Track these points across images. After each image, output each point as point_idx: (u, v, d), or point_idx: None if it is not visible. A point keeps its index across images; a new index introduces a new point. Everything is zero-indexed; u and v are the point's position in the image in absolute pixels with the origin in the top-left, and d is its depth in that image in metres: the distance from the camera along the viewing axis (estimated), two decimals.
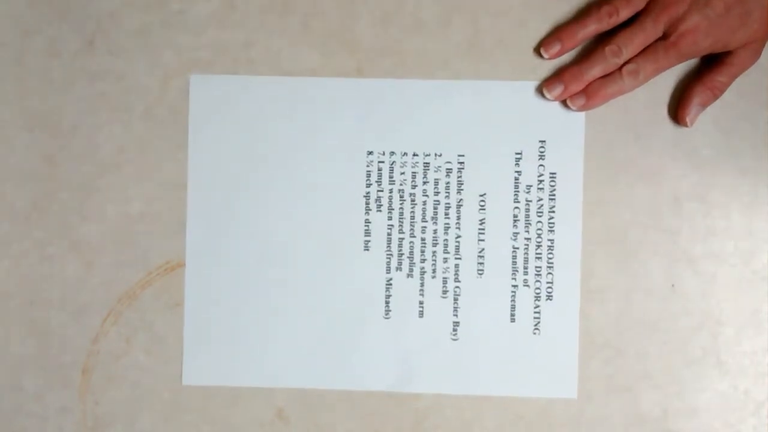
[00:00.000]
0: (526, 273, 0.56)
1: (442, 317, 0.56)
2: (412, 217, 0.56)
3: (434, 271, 0.56)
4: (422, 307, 0.56)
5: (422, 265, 0.56)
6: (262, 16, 0.56)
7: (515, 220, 0.56)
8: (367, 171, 0.56)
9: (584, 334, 0.56)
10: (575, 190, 0.56)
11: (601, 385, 0.56)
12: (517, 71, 0.56)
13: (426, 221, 0.56)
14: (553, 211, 0.56)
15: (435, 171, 0.56)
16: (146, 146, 0.56)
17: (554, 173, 0.56)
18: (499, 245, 0.56)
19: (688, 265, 0.56)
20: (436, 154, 0.56)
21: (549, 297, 0.56)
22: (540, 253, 0.56)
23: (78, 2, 0.57)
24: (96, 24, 0.57)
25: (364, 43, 0.56)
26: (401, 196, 0.56)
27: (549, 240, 0.56)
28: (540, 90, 0.55)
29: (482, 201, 0.56)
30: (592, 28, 0.54)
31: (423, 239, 0.56)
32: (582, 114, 0.56)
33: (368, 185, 0.56)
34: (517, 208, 0.56)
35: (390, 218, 0.56)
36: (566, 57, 0.56)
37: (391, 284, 0.56)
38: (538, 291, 0.56)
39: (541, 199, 0.56)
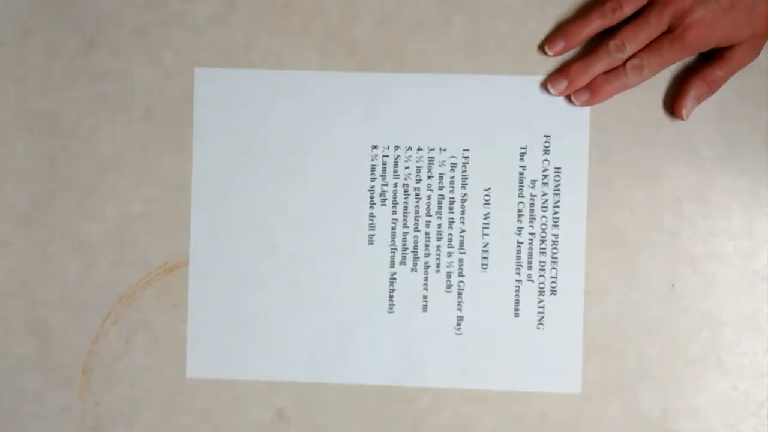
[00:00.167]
0: (530, 268, 0.56)
1: (445, 311, 0.56)
2: (417, 212, 0.56)
3: (438, 265, 0.56)
4: (426, 302, 0.56)
5: (426, 259, 0.56)
6: (262, 16, 0.56)
7: (520, 215, 0.56)
8: (372, 165, 0.56)
9: (584, 334, 0.56)
10: (580, 185, 0.56)
11: (601, 385, 0.56)
12: (517, 71, 0.56)
13: (430, 215, 0.56)
14: (558, 206, 0.56)
15: (440, 165, 0.56)
16: (146, 146, 0.56)
17: (559, 168, 0.56)
18: (503, 240, 0.56)
19: (688, 265, 0.56)
20: (440, 149, 0.56)
21: (553, 292, 0.56)
22: (544, 248, 0.56)
23: (78, 2, 0.57)
24: (96, 24, 0.57)
25: (364, 43, 0.56)
26: (406, 191, 0.56)
27: (553, 235, 0.56)
28: (544, 85, 0.55)
29: (487, 195, 0.56)
30: (596, 24, 0.54)
31: (427, 233, 0.56)
32: (587, 109, 0.56)
33: (373, 179, 0.56)
34: (521, 202, 0.56)
35: (394, 212, 0.56)
36: (570, 52, 0.56)
37: (395, 278, 0.56)
38: (542, 286, 0.56)
39: (545, 194, 0.56)
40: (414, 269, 0.56)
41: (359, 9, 0.56)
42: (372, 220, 0.56)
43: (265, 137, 0.56)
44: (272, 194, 0.56)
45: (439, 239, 0.56)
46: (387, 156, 0.56)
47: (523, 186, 0.56)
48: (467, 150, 0.56)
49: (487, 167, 0.56)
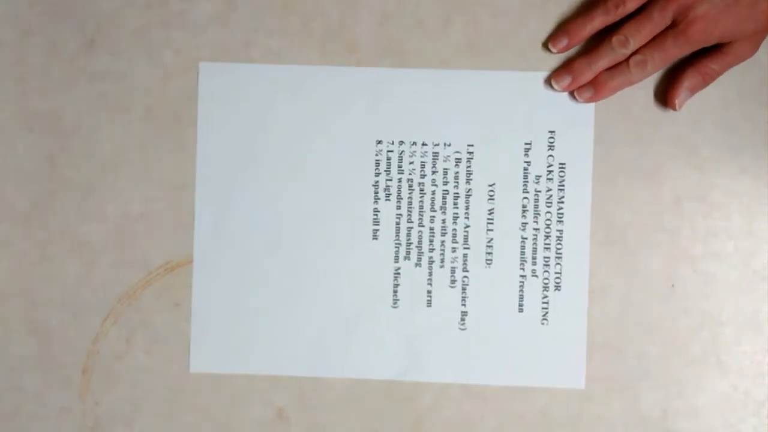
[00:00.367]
0: (534, 263, 0.56)
1: (450, 307, 0.56)
2: (421, 207, 0.56)
3: (442, 260, 0.56)
4: (430, 297, 0.56)
5: (431, 254, 0.56)
6: (262, 16, 0.56)
7: (524, 210, 0.56)
8: (376, 160, 0.56)
9: (587, 331, 0.56)
10: (584, 181, 0.56)
11: (601, 385, 0.56)
12: (520, 69, 0.56)
13: (435, 211, 0.56)
14: (562, 202, 0.56)
15: (444, 161, 0.56)
16: (146, 146, 0.56)
17: (563, 164, 0.56)
18: (507, 235, 0.56)
19: (688, 265, 0.56)
20: (445, 144, 0.56)
21: (557, 287, 0.56)
22: (548, 244, 0.56)
23: (78, 2, 0.57)
24: (96, 24, 0.57)
25: (364, 42, 0.56)
26: (410, 186, 0.56)
27: (558, 230, 0.56)
28: (548, 81, 0.55)
29: (491, 191, 0.56)
30: (599, 20, 0.54)
31: (431, 229, 0.56)
32: (592, 105, 0.56)
33: (377, 174, 0.56)
34: (526, 198, 0.56)
35: (399, 207, 0.56)
36: (573, 49, 0.56)
37: (399, 273, 0.56)
38: (546, 281, 0.56)
39: (550, 190, 0.56)
40: (418, 264, 0.56)
41: (359, 9, 0.56)
42: (376, 215, 0.56)
43: (268, 132, 0.56)
44: (276, 190, 0.56)
45: (443, 234, 0.56)
46: (392, 151, 0.56)
47: (527, 181, 0.56)
48: (472, 145, 0.56)
49: (492, 163, 0.56)
